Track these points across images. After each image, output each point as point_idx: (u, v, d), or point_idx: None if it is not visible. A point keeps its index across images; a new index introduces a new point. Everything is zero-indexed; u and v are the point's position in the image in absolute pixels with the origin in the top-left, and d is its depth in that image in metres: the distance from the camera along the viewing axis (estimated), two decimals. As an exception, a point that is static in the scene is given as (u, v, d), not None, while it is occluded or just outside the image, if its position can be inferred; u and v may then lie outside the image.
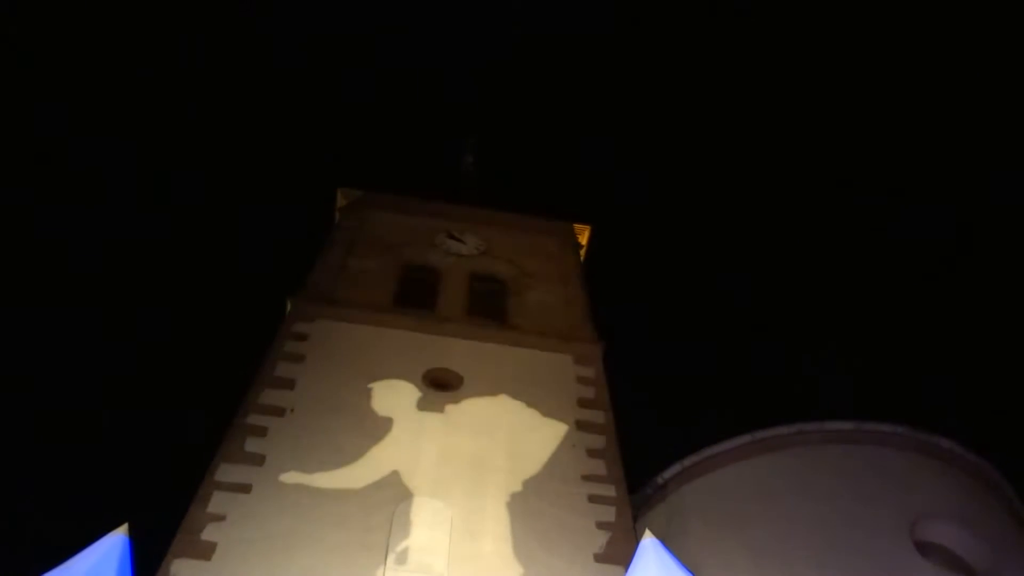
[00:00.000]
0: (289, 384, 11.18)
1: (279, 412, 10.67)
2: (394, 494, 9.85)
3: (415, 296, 14.23)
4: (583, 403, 12.01)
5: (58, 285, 26.05)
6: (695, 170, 36.67)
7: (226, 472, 9.63)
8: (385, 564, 8.95)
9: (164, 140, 30.84)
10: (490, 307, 14.40)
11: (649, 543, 6.43)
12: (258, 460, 9.89)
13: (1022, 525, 11.60)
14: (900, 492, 10.54)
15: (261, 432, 10.29)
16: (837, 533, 9.86)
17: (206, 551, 8.64)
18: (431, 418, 11.20)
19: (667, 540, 7.24)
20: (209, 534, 8.83)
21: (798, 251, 34.48)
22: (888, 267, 32.25)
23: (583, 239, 17.53)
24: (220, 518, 9.04)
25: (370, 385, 11.52)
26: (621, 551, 9.40)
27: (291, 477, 9.78)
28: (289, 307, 12.85)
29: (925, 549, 9.93)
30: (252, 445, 10.08)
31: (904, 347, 29.77)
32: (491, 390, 11.93)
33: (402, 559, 9.06)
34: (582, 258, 16.98)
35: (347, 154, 35.72)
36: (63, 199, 26.80)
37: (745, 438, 11.35)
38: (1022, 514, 11.87)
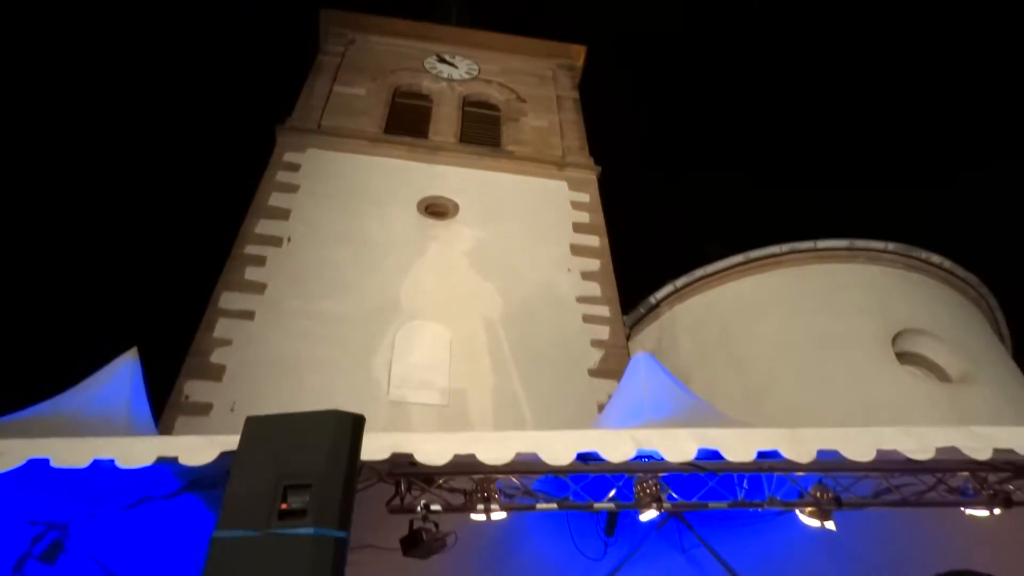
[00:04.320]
0: (284, 214, 11.19)
1: (276, 242, 10.76)
2: (394, 318, 10.15)
3: (407, 123, 13.90)
4: (578, 228, 12.10)
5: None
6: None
7: (229, 300, 9.86)
8: (389, 382, 9.38)
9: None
10: (483, 133, 14.12)
11: (641, 356, 6.70)
12: (259, 288, 10.10)
13: (1001, 338, 12.04)
14: (886, 306, 10.79)
15: (260, 261, 10.43)
16: (821, 346, 10.23)
17: (216, 373, 9.04)
18: (428, 245, 11.30)
19: (658, 355, 7.53)
20: (218, 357, 9.19)
21: (794, 75, 33.26)
22: (874, 89, 31.26)
23: (579, 61, 16.83)
24: (227, 343, 9.37)
25: (365, 214, 11.52)
26: (614, 366, 9.84)
27: (293, 304, 10.03)
28: (278, 137, 12.59)
29: (906, 359, 10.33)
30: (252, 274, 10.25)
31: (904, 165, 29.52)
32: (486, 217, 11.96)
33: (405, 377, 9.47)
34: (578, 81, 16.40)
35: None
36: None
37: (738, 258, 11.44)
38: (1002, 328, 12.30)
